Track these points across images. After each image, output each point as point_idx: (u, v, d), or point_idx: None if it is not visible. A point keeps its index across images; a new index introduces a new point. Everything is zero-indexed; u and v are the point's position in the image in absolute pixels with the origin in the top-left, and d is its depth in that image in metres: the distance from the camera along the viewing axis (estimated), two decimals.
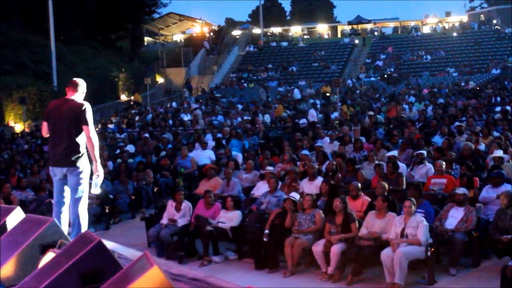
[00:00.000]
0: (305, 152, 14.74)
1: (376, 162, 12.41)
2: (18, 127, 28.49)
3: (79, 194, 6.51)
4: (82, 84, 6.72)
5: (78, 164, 6.43)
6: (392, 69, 39.35)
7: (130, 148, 19.36)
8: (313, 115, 23.20)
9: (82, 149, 6.47)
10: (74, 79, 6.75)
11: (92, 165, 6.51)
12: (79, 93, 6.67)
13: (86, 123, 6.39)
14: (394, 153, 13.15)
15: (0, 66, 30.97)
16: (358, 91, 32.64)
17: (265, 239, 10.02)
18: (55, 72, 32.42)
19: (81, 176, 6.47)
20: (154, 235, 11.40)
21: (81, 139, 6.45)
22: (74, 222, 6.41)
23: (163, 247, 11.26)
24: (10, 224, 5.52)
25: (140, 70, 43.64)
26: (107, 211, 13.90)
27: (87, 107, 6.49)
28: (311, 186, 11.59)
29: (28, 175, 15.83)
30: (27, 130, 26.41)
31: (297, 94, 32.78)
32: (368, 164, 12.96)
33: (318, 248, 9.38)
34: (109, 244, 6.49)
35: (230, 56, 47.32)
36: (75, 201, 6.53)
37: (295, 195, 10.48)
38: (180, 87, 42.56)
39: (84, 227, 6.52)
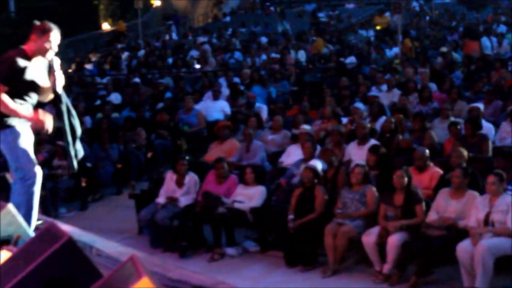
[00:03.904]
0: (357, 104, 14.63)
1: (452, 118, 12.26)
2: None
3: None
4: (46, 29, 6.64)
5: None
6: None
7: (115, 97, 19.42)
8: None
9: None
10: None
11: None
12: (39, 42, 6.60)
13: None
14: (478, 106, 12.99)
15: None
16: (427, 18, 32.20)
17: (290, 226, 10.06)
18: None
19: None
20: (147, 218, 11.46)
21: None
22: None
23: (159, 234, 11.33)
24: None
25: None
26: (83, 184, 13.98)
27: (5, 59, 6.54)
28: (362, 153, 11.52)
29: None
30: None
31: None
32: (440, 122, 12.85)
33: (370, 238, 9.35)
34: (84, 235, 6.55)
35: None
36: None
37: (317, 163, 10.54)
38: (183, 12, 42.38)
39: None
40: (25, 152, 6.53)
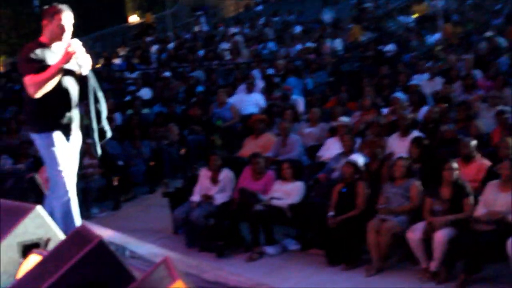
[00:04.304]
0: (397, 94, 14.53)
1: (499, 107, 12.12)
2: None
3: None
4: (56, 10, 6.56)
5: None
6: None
7: (145, 93, 19.46)
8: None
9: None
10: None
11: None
12: (50, 26, 6.55)
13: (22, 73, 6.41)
14: None
15: None
16: (469, 1, 31.91)
17: (331, 223, 10.03)
18: None
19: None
20: (182, 218, 11.51)
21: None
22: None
23: (194, 234, 11.35)
24: None
25: None
26: (115, 183, 14.02)
27: (22, 51, 6.48)
28: (404, 144, 11.44)
29: (4, 134, 16.08)
30: (0, 69, 26.79)
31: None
32: (487, 111, 12.72)
33: (415, 234, 9.27)
34: (117, 237, 6.55)
35: None
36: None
37: (357, 157, 10.51)
38: (213, 2, 42.39)
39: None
40: (55, 164, 6.44)
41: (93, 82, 6.54)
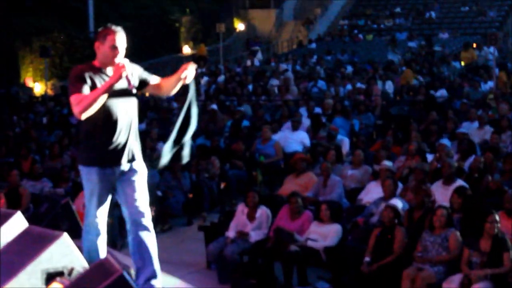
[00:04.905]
0: (443, 141, 14.42)
1: None
2: (38, 88, 29.21)
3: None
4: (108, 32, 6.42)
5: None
6: None
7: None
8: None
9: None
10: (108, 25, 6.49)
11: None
12: (102, 48, 6.40)
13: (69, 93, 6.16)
14: None
15: (15, 1, 31.52)
16: None
17: (365, 270, 9.97)
18: (91, 12, 32.99)
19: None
20: (216, 253, 11.47)
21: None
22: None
23: (227, 270, 11.29)
24: (5, 237, 5.60)
25: (211, 11, 43.88)
26: (152, 214, 14.01)
27: (72, 70, 6.26)
28: (446, 193, 11.32)
29: (46, 158, 16.22)
30: (49, 92, 27.07)
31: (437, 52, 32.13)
32: None
33: (451, 286, 9.17)
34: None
35: None
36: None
37: (398, 202, 10.45)
38: (268, 37, 42.63)
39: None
40: (91, 199, 6.31)
41: (191, 95, 6.39)
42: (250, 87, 25.00)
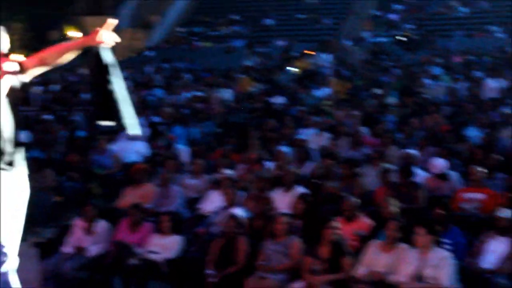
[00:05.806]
0: (282, 148, 14.59)
1: (384, 165, 12.31)
2: None
3: None
4: None
5: None
6: (411, 26, 39.37)
7: (24, 136, 18.99)
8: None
9: None
10: None
11: None
12: None
13: None
14: (412, 152, 13.07)
15: None
16: (360, 58, 32.57)
17: (210, 280, 9.95)
18: None
19: None
20: (51, 269, 11.17)
21: None
22: None
23: (64, 287, 11.04)
24: None
25: (42, 17, 43.00)
26: None
27: None
28: (287, 200, 11.46)
29: None
30: None
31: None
32: (372, 168, 12.87)
33: None
34: None
35: (177, 2, 47.03)
36: None
37: (240, 212, 10.54)
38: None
39: None
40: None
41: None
42: (84, 96, 24.49)
